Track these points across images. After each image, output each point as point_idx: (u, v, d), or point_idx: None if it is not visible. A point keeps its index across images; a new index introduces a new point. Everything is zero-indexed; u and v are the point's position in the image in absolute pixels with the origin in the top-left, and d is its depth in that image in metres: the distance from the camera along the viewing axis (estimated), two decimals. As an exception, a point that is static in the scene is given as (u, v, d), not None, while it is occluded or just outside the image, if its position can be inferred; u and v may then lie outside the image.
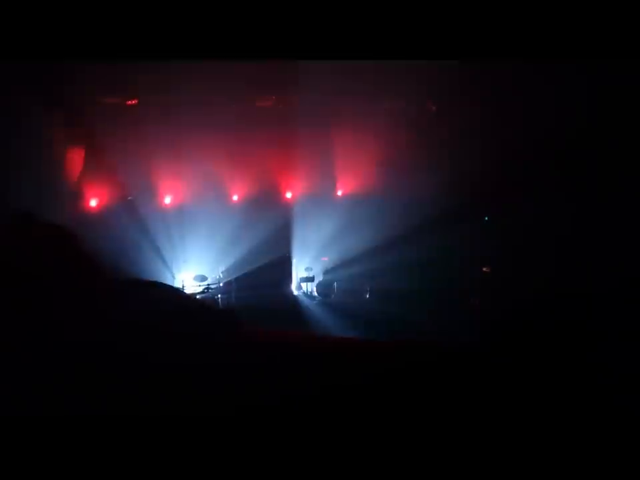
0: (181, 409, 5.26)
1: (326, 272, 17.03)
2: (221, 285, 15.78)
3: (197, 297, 14.43)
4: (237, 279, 15.81)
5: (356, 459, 4.33)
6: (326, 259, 17.05)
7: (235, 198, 16.63)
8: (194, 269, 15.93)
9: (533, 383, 5.69)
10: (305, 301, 16.23)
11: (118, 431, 4.82)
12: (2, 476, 4.28)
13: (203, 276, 15.82)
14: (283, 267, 16.73)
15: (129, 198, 15.27)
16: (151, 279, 12.36)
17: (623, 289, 9.56)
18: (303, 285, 17.03)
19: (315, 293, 16.74)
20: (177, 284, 15.16)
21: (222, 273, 15.96)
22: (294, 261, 16.98)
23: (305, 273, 17.01)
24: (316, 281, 16.93)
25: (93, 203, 15.10)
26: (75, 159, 14.85)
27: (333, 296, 16.53)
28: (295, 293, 16.99)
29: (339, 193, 17.27)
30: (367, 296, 16.10)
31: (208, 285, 15.53)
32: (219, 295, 15.40)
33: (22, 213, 9.02)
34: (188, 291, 14.83)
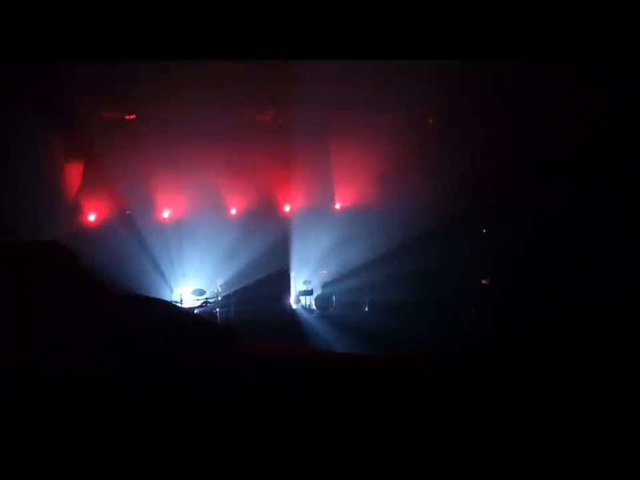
0: (177, 420, 5.20)
1: (324, 285, 16.97)
2: (220, 298, 15.69)
3: (195, 311, 14.34)
4: (235, 292, 15.72)
5: (350, 473, 4.29)
6: (324, 271, 17.00)
7: (233, 211, 16.63)
8: (192, 282, 15.83)
9: (533, 394, 5.65)
10: (304, 314, 16.16)
11: (113, 440, 4.77)
12: (3, 476, 4.21)
13: (202, 290, 15.73)
14: (281, 280, 16.66)
15: (127, 212, 15.25)
16: (148, 294, 12.34)
17: (623, 298, 9.53)
18: (302, 298, 16.96)
19: (314, 306, 16.66)
20: (175, 298, 15.07)
21: (220, 286, 15.87)
22: (292, 274, 16.91)
23: (304, 286, 16.95)
24: (314, 294, 16.86)
25: (91, 217, 15.08)
26: (74, 173, 14.87)
27: (331, 309, 16.45)
28: (294, 306, 16.90)
29: (337, 205, 17.31)
30: (366, 309, 16.05)
31: (206, 298, 15.42)
32: (218, 309, 15.30)
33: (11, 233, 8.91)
34: (186, 304, 14.74)
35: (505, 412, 5.21)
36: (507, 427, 4.87)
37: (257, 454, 4.58)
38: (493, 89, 12.78)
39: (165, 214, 16.02)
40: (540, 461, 4.30)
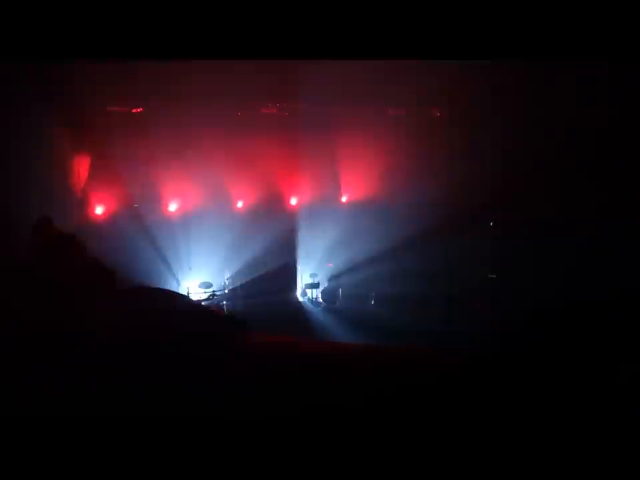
0: (186, 412, 5.24)
1: (331, 278, 17.01)
2: (226, 291, 15.78)
3: (203, 303, 14.41)
4: (242, 285, 15.82)
5: (362, 468, 4.30)
6: (331, 265, 17.03)
7: (240, 204, 16.67)
8: (199, 275, 15.93)
9: (538, 388, 5.66)
10: (310, 307, 16.23)
11: (120, 431, 4.81)
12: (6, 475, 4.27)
13: (209, 283, 15.81)
14: (287, 273, 16.72)
15: (135, 205, 15.31)
16: (157, 286, 12.41)
17: (631, 298, 9.49)
18: (308, 291, 17.02)
19: (320, 299, 16.71)
20: (183, 291, 15.15)
21: (227, 279, 15.97)
22: (299, 268, 16.98)
23: (310, 279, 17.01)
24: (321, 287, 16.91)
25: (99, 210, 15.14)
26: (81, 166, 14.93)
27: (337, 302, 16.49)
28: (300, 299, 17.00)
29: (344, 199, 17.31)
30: (372, 302, 16.06)
31: (213, 291, 15.52)
32: (225, 302, 15.39)
33: (44, 217, 9.00)
34: (193, 297, 14.83)
35: (509, 408, 5.22)
36: (511, 424, 4.88)
37: (268, 449, 4.59)
38: (501, 85, 12.70)
39: (172, 207, 16.08)
40: (543, 458, 4.30)
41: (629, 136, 11.48)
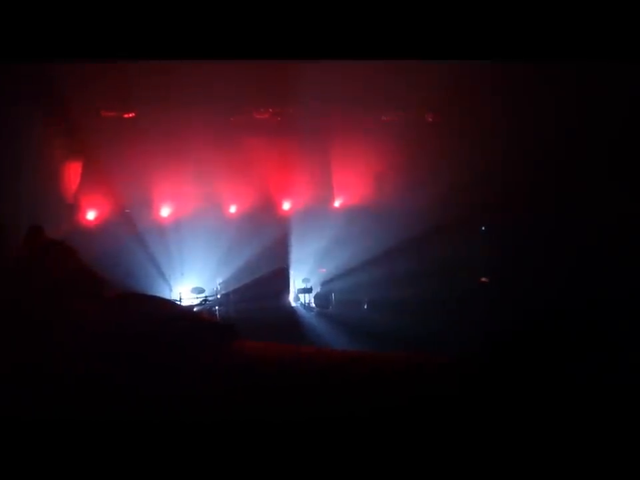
0: (175, 420, 5.20)
1: (323, 283, 16.97)
2: (219, 296, 15.71)
3: (195, 309, 14.36)
4: (234, 290, 15.73)
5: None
6: (323, 270, 17.00)
7: (233, 209, 16.65)
8: (191, 281, 15.87)
9: (532, 392, 5.66)
10: (303, 313, 16.18)
11: (109, 438, 4.77)
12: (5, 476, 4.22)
13: (201, 288, 15.76)
14: (280, 278, 16.65)
15: (127, 210, 15.26)
16: (147, 292, 12.36)
17: (625, 299, 9.51)
18: (301, 296, 16.97)
19: (313, 304, 16.68)
20: (175, 296, 15.09)
21: (219, 284, 15.90)
22: (291, 273, 16.91)
23: (303, 284, 16.97)
24: (314, 292, 16.88)
25: (91, 215, 15.08)
26: (73, 171, 14.87)
27: (331, 307, 16.46)
28: (293, 304, 16.91)
29: (337, 203, 17.33)
30: (365, 307, 16.04)
31: (205, 297, 15.47)
32: (217, 307, 15.33)
33: (35, 226, 8.98)
34: (185, 303, 14.77)
35: (509, 416, 5.22)
36: (512, 433, 4.87)
37: (260, 458, 4.57)
38: (494, 88, 12.76)
39: (164, 212, 16.05)
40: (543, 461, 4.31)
41: (629, 137, 11.57)
